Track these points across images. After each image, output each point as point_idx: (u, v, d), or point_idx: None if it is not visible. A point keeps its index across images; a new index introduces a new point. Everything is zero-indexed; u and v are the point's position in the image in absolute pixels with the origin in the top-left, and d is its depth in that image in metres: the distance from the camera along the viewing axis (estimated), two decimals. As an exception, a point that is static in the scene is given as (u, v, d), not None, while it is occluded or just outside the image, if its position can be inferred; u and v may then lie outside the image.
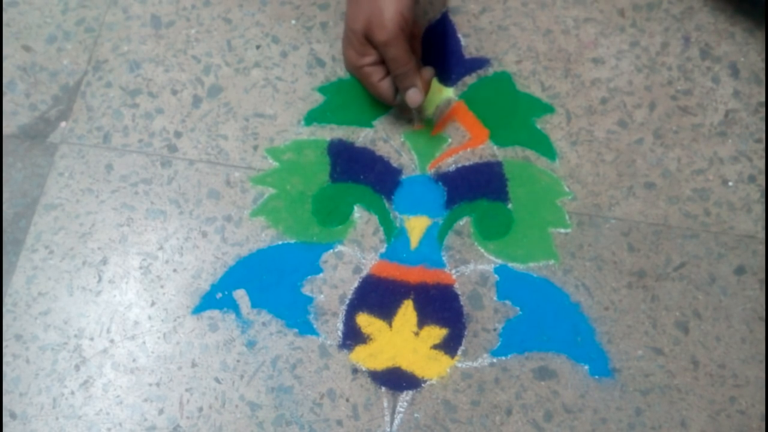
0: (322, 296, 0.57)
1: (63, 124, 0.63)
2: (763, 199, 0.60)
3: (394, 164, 0.61)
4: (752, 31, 0.65)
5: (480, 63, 0.65)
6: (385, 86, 0.57)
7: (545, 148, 0.62)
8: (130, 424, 0.54)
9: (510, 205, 0.60)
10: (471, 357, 0.56)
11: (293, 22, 0.66)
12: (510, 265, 0.58)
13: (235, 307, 0.57)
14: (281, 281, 0.58)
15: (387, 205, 0.60)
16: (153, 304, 0.57)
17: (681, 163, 0.61)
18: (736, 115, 0.63)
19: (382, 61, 0.56)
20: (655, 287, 0.57)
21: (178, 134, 0.63)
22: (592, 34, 0.66)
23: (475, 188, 0.60)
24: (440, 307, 0.57)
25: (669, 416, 0.54)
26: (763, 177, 0.61)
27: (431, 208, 0.60)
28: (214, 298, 0.57)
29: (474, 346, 0.56)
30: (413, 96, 0.56)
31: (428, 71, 0.58)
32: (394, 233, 0.59)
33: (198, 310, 0.57)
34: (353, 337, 0.56)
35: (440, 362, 0.55)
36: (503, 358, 0.55)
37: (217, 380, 0.55)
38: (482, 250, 0.59)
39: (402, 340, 0.56)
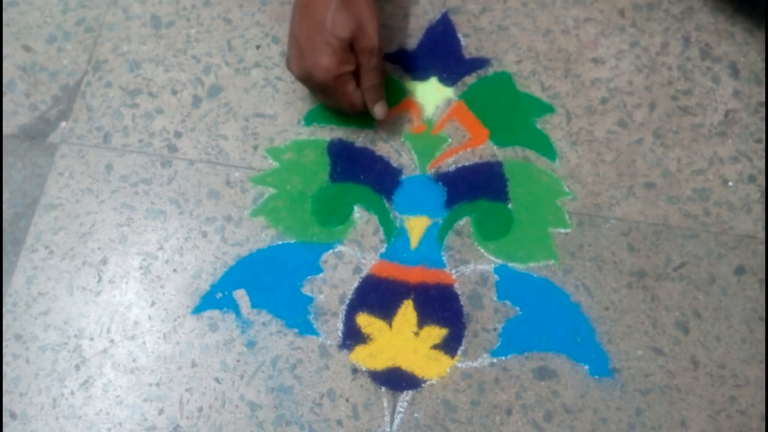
0: (322, 296, 0.57)
1: (63, 124, 0.63)
2: (763, 199, 0.60)
3: (394, 164, 0.61)
4: (752, 31, 0.65)
5: (480, 63, 0.65)
6: (358, 95, 0.58)
7: (545, 148, 0.62)
8: (130, 424, 0.54)
9: (510, 205, 0.60)
10: (471, 357, 0.56)
11: (293, 22, 0.66)
12: (510, 265, 0.58)
13: (235, 307, 0.57)
14: (281, 281, 0.58)
15: (387, 205, 0.60)
16: (153, 304, 0.57)
17: (681, 163, 0.61)
18: (736, 115, 0.63)
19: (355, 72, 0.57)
20: (655, 287, 0.57)
21: (178, 134, 0.63)
22: (592, 34, 0.66)
23: (475, 188, 0.60)
24: (440, 307, 0.57)
25: (669, 416, 0.54)
26: (763, 177, 0.61)
27: (431, 208, 0.60)
28: (214, 298, 0.57)
29: (474, 346, 0.56)
30: (381, 109, 0.59)
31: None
32: (394, 233, 0.59)
33: (198, 310, 0.57)
34: (353, 337, 0.56)
35: (440, 362, 0.55)
36: (503, 358, 0.55)
37: (217, 380, 0.55)
38: (482, 250, 0.59)
39: (402, 340, 0.56)
